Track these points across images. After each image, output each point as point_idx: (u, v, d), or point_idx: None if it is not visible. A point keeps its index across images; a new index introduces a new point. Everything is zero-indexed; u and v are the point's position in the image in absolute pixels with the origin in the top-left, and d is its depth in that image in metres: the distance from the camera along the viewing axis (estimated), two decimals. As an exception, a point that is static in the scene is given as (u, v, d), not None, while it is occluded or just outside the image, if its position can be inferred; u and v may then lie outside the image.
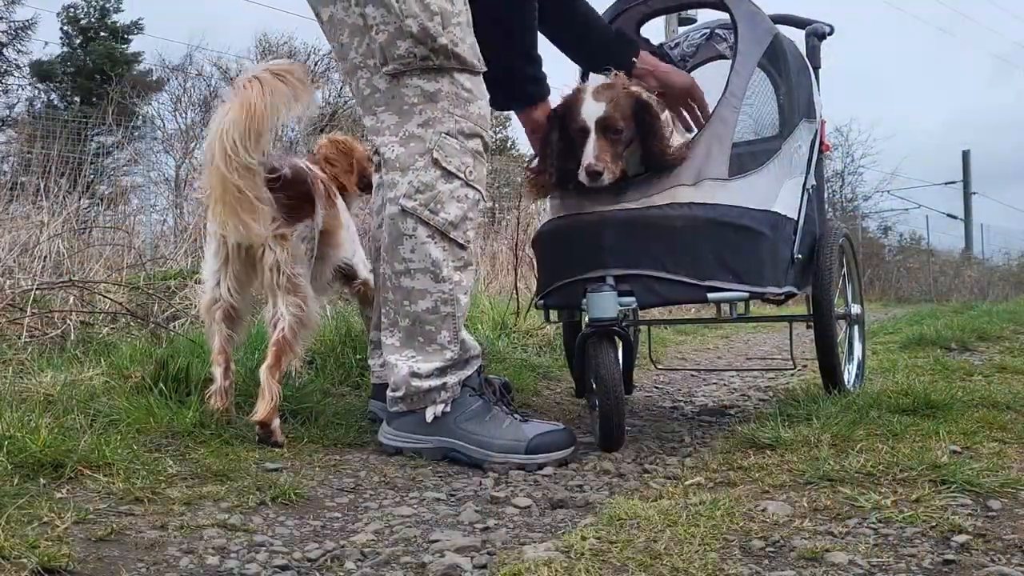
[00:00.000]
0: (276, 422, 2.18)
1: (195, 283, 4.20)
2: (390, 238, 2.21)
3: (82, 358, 2.94)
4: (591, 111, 2.28)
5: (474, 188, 2.21)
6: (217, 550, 1.47)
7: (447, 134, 2.16)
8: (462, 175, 2.18)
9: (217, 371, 2.32)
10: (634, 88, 2.35)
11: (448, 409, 2.19)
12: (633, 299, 2.25)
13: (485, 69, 2.23)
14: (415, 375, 2.18)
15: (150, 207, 9.15)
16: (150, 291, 3.98)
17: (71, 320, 3.37)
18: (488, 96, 2.25)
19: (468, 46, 2.18)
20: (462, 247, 2.21)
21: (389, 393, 2.25)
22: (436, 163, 2.15)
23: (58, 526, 1.49)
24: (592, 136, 2.27)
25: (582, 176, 2.28)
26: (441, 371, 2.19)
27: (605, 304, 2.22)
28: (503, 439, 2.15)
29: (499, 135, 23.44)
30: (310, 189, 2.34)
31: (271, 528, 1.62)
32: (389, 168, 2.20)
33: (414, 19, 2.09)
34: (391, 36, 2.11)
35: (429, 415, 2.19)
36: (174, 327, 3.59)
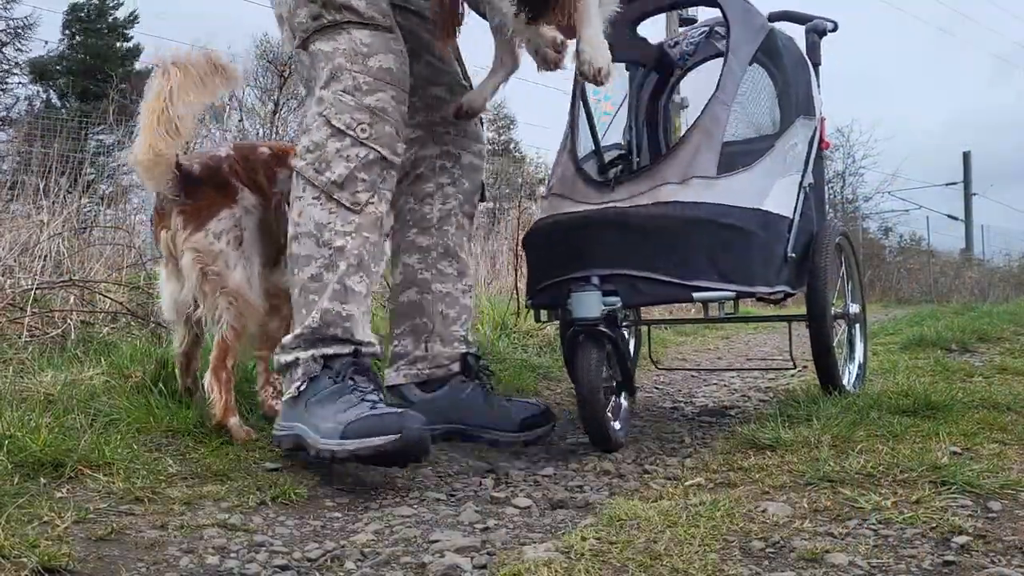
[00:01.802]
0: (232, 420, 2.17)
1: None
2: (289, 202, 2.16)
3: (82, 358, 2.93)
4: None
5: (367, 147, 2.07)
6: (217, 550, 1.47)
7: (343, 91, 2.07)
8: (352, 132, 2.06)
9: (177, 372, 2.40)
10: None
11: (302, 387, 2.01)
12: (617, 299, 2.24)
13: (390, 24, 2.14)
14: (282, 347, 2.08)
15: (150, 206, 9.15)
16: (150, 291, 3.98)
17: (71, 320, 3.37)
18: (402, 51, 2.14)
19: (366, 2, 2.10)
20: (351, 210, 2.06)
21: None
22: (328, 122, 2.07)
23: (58, 525, 1.49)
24: None
25: None
26: (301, 341, 2.04)
27: (589, 303, 2.21)
28: (328, 423, 1.90)
29: (502, 136, 23.42)
30: (227, 178, 2.25)
31: (271, 528, 1.62)
32: (301, 131, 2.16)
33: None
34: (291, 10, 2.13)
35: (286, 396, 2.04)
36: (174, 327, 3.58)
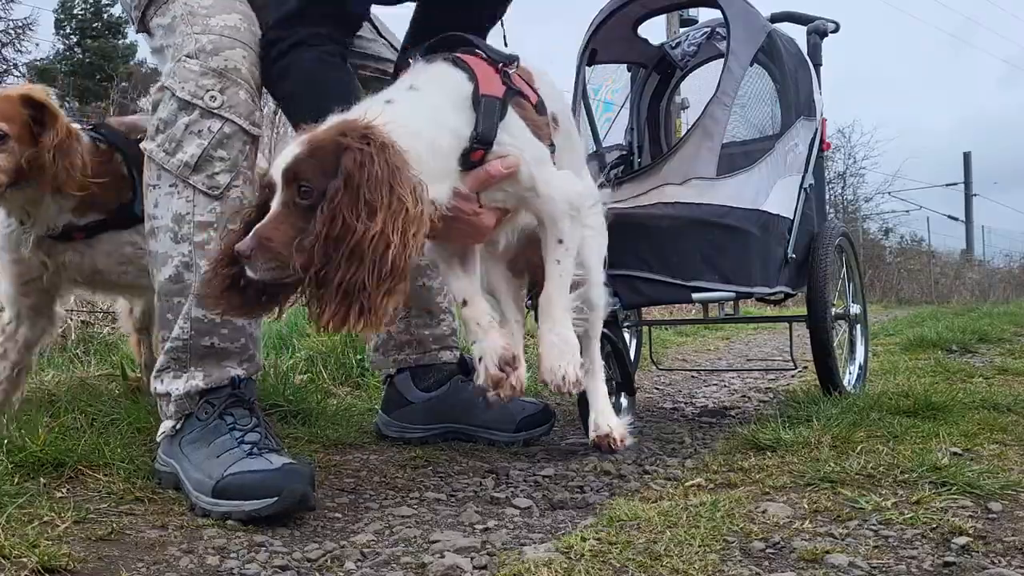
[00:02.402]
0: None
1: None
2: (143, 198, 1.89)
3: (83, 357, 2.94)
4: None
5: (220, 117, 1.78)
6: (217, 550, 1.47)
7: (186, 55, 1.79)
8: (201, 102, 1.77)
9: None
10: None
11: (177, 426, 1.79)
12: (617, 299, 2.24)
13: None
14: (156, 372, 1.84)
15: (151, 206, 9.14)
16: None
17: (72, 319, 3.37)
18: (247, 12, 1.87)
19: None
20: (211, 196, 1.79)
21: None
22: (172, 94, 1.79)
23: (58, 526, 1.49)
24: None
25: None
26: (163, 369, 1.81)
27: None
28: (199, 472, 1.69)
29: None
30: None
31: (271, 528, 1.61)
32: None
33: None
34: (123, 4, 1.97)
35: (161, 430, 1.81)
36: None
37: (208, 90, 1.77)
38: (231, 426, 1.74)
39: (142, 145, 1.86)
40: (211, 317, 1.75)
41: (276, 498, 1.60)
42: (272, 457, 1.69)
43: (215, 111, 1.77)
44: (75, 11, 21.76)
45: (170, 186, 1.79)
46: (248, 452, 1.69)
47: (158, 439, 1.83)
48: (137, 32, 1.99)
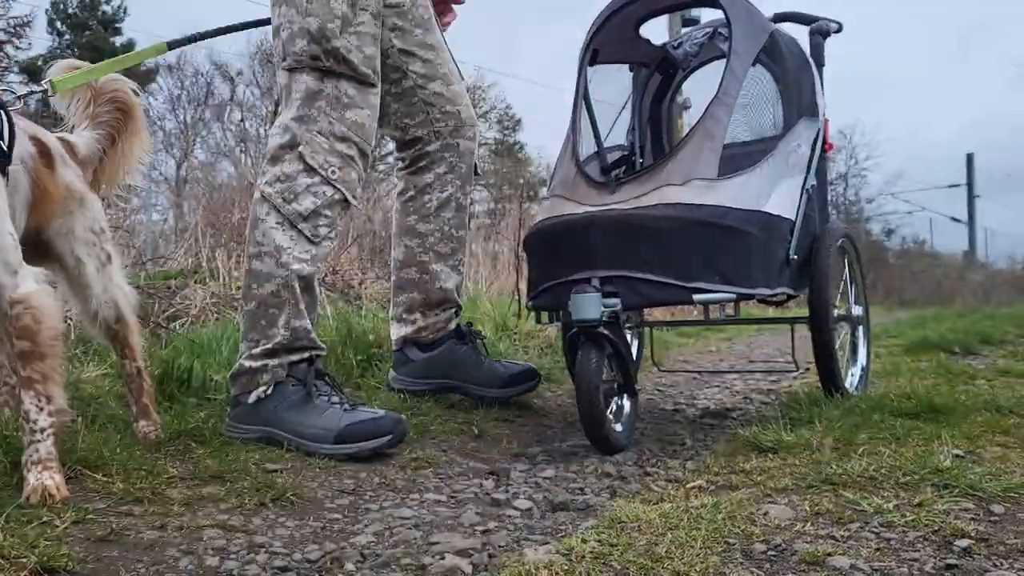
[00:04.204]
0: None
1: (196, 283, 4.21)
2: (249, 223, 2.32)
3: (82, 357, 2.93)
4: None
5: (335, 187, 2.27)
6: (217, 551, 1.47)
7: (319, 132, 2.25)
8: (324, 172, 2.25)
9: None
10: None
11: (270, 392, 2.22)
12: (618, 300, 2.24)
13: (377, 84, 2.36)
14: (249, 356, 2.25)
15: (150, 206, 9.16)
16: (150, 291, 3.98)
17: (71, 319, 3.36)
18: (376, 106, 2.35)
19: (364, 56, 2.29)
20: (311, 241, 2.26)
21: (230, 380, 2.33)
22: (301, 157, 2.24)
23: (57, 526, 1.49)
24: None
25: None
26: (269, 353, 2.24)
27: (588, 305, 2.21)
28: (314, 428, 2.14)
29: (511, 138, 23.47)
30: None
31: (271, 529, 1.61)
32: (265, 160, 2.33)
33: (315, 17, 2.23)
34: (292, 34, 2.26)
35: (252, 397, 2.23)
36: (175, 327, 3.59)
37: (332, 165, 2.26)
38: (317, 394, 2.20)
39: (262, 189, 2.26)
40: (304, 325, 2.25)
41: (391, 435, 2.13)
42: (365, 408, 2.22)
43: (332, 181, 2.26)
44: (70, 9, 21.76)
45: (277, 223, 2.24)
46: (344, 409, 2.16)
47: (241, 404, 2.24)
48: (280, 67, 2.33)
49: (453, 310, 2.81)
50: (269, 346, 2.23)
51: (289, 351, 2.25)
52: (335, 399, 2.21)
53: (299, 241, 2.25)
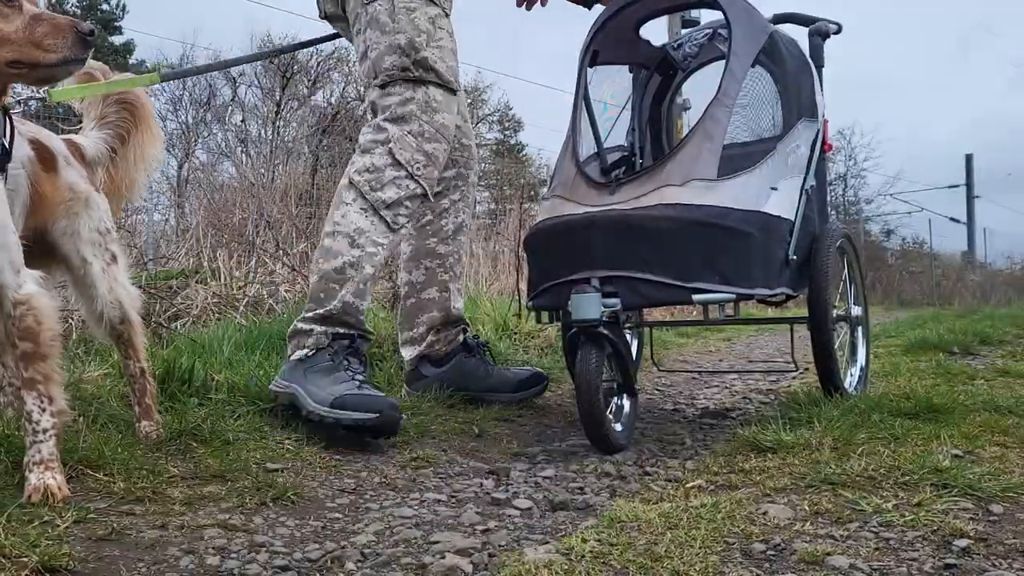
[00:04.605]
0: None
1: (196, 283, 4.21)
2: (332, 204, 2.54)
3: (83, 357, 2.94)
4: None
5: (417, 182, 2.51)
6: (217, 550, 1.47)
7: (409, 132, 2.50)
8: (409, 168, 2.49)
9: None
10: None
11: (310, 353, 2.41)
12: (617, 300, 2.24)
13: (460, 90, 2.64)
14: (303, 319, 2.47)
15: (151, 207, 9.15)
16: (152, 291, 3.98)
17: (72, 319, 3.37)
18: (458, 113, 2.63)
19: (447, 66, 2.54)
20: (390, 228, 2.50)
21: (287, 336, 2.53)
22: (390, 153, 2.48)
23: (58, 525, 1.49)
24: None
25: None
26: (319, 319, 2.43)
27: (588, 305, 2.21)
28: (322, 391, 2.30)
29: (510, 139, 23.50)
30: None
31: (272, 528, 1.62)
32: (356, 149, 2.55)
33: (403, 34, 2.48)
34: (380, 53, 2.50)
35: (293, 353, 2.43)
36: (176, 327, 3.59)
37: (418, 163, 2.50)
38: (346, 367, 2.38)
39: (351, 175, 2.49)
40: (356, 304, 2.45)
41: (377, 414, 2.21)
42: (377, 391, 2.37)
43: (416, 177, 2.50)
44: (69, 7, 21.71)
45: (361, 208, 2.47)
46: (358, 385, 2.33)
47: (290, 360, 2.43)
48: (372, 85, 2.55)
49: (462, 327, 2.99)
50: (320, 311, 2.42)
51: (337, 323, 2.43)
52: (358, 377, 2.36)
53: (379, 226, 2.46)
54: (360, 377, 2.36)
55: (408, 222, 2.56)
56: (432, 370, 2.91)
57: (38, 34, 1.60)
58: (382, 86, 2.52)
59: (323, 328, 2.42)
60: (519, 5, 2.95)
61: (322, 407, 2.25)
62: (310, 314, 2.45)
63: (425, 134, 2.50)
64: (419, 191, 2.52)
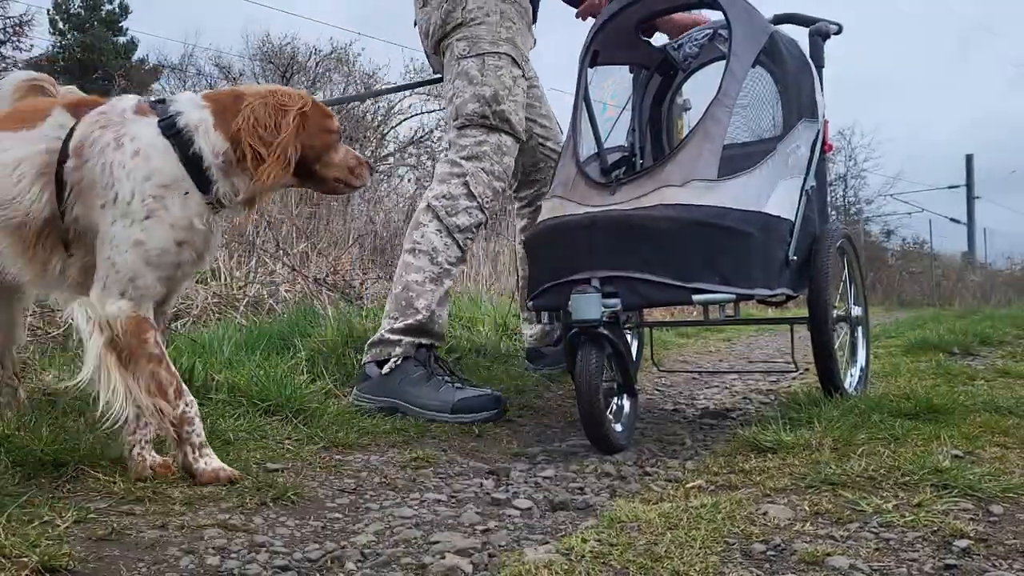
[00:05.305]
0: None
1: (197, 283, 4.20)
2: (411, 224, 2.90)
3: (84, 357, 2.93)
4: None
5: (484, 213, 2.89)
6: (218, 550, 1.47)
7: (483, 170, 2.88)
8: (480, 200, 2.87)
9: None
10: None
11: (398, 364, 2.71)
12: (618, 300, 2.24)
13: (523, 140, 3.02)
14: (390, 330, 2.76)
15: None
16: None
17: (73, 320, 3.36)
18: (516, 159, 3.02)
19: (519, 118, 2.95)
20: (460, 249, 2.85)
21: (367, 346, 2.83)
22: (466, 184, 2.86)
23: (59, 525, 1.49)
24: None
25: None
26: (406, 330, 2.74)
27: (588, 305, 2.21)
28: (434, 401, 2.65)
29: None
30: None
31: (272, 528, 1.62)
32: (435, 178, 2.94)
33: (490, 87, 2.88)
34: (465, 100, 2.90)
35: (386, 368, 2.72)
36: (176, 326, 3.59)
37: (487, 197, 2.89)
38: (436, 374, 2.73)
39: (430, 200, 2.86)
40: (440, 314, 2.79)
41: (496, 410, 2.67)
42: (472, 387, 2.76)
43: (484, 208, 2.90)
44: (72, 9, 21.70)
45: (437, 230, 2.83)
46: (456, 387, 2.70)
47: (376, 373, 2.74)
48: (452, 121, 2.95)
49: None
50: (410, 322, 2.74)
51: (421, 332, 2.75)
52: (447, 379, 2.72)
53: (452, 247, 2.82)
54: (448, 380, 2.72)
55: (471, 246, 2.93)
56: (550, 350, 3.39)
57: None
58: (460, 127, 2.91)
59: (409, 339, 2.73)
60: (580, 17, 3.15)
61: (444, 414, 2.62)
62: (398, 324, 2.75)
63: (495, 172, 2.89)
64: (484, 220, 2.90)
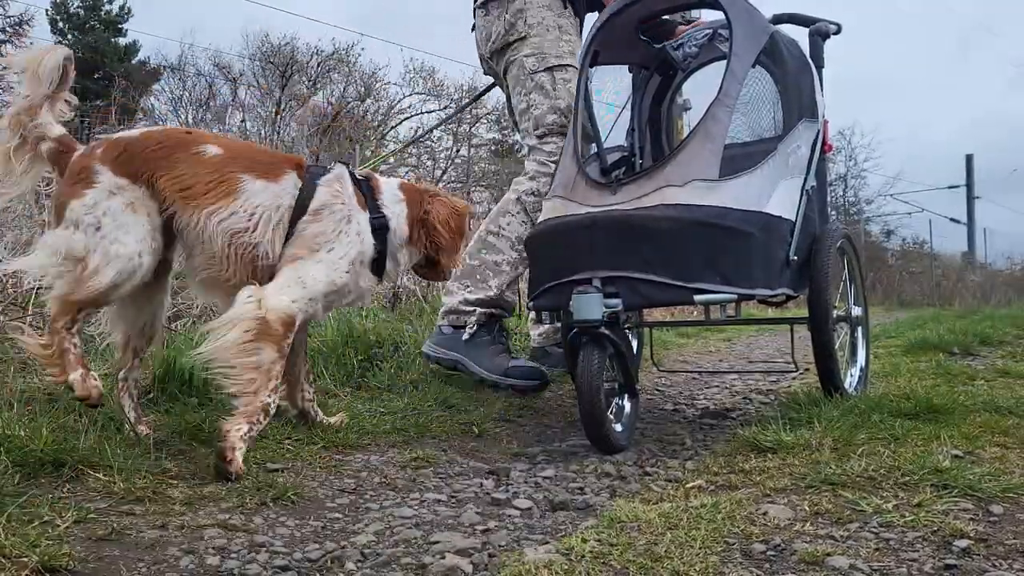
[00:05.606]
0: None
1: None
2: (497, 210, 3.26)
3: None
4: None
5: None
6: (218, 550, 1.47)
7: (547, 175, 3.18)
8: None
9: None
10: None
11: (473, 331, 3.11)
12: (619, 300, 2.24)
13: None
14: (465, 301, 3.15)
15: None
16: (152, 291, 3.97)
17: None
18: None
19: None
20: None
21: (442, 310, 3.22)
22: (536, 185, 3.18)
23: (59, 525, 1.49)
24: None
25: None
26: (479, 302, 3.13)
27: (590, 306, 2.21)
28: (492, 364, 3.08)
29: (510, 140, 23.48)
30: None
31: (272, 528, 1.62)
32: (523, 175, 3.26)
33: (563, 100, 3.16)
34: (543, 112, 3.19)
35: (466, 334, 3.13)
36: (176, 326, 3.59)
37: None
38: (498, 341, 3.16)
39: (520, 194, 3.21)
40: (509, 295, 3.18)
41: (540, 380, 3.08)
42: (518, 359, 3.19)
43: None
44: (71, 9, 21.68)
45: (523, 222, 3.18)
46: (511, 356, 3.16)
47: (449, 333, 3.17)
48: (533, 131, 3.22)
49: None
50: (482, 296, 3.14)
51: (493, 305, 3.15)
52: (503, 350, 3.14)
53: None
54: (504, 350, 3.14)
55: None
56: (556, 350, 3.48)
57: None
58: (540, 136, 3.20)
59: (483, 310, 3.12)
60: None
61: (495, 375, 3.05)
62: (473, 296, 3.14)
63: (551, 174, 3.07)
64: None
